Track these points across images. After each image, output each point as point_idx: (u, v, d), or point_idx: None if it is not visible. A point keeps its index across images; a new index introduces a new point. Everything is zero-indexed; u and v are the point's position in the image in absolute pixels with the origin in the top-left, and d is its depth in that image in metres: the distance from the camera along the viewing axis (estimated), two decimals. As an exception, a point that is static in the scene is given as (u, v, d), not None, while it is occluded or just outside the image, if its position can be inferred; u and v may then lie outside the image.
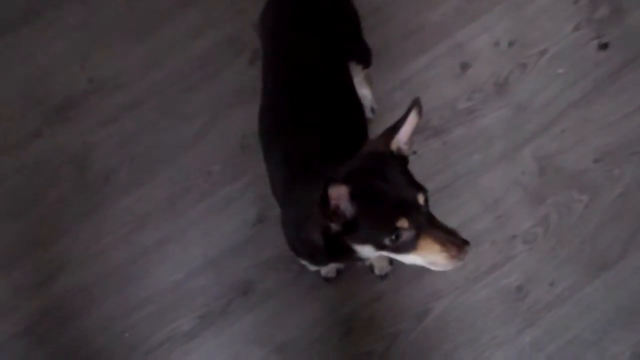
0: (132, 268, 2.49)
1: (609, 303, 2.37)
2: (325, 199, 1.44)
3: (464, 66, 2.63)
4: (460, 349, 2.36)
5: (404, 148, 1.60)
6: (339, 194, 1.44)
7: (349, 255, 1.64)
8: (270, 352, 2.39)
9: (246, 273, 2.45)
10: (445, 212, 2.32)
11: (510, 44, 2.65)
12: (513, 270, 2.41)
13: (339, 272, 2.40)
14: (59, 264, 2.50)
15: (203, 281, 2.46)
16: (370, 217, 1.50)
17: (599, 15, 2.66)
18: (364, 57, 2.37)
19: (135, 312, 2.45)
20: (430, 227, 1.51)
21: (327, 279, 2.41)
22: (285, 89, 2.03)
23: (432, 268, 1.55)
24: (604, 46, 2.62)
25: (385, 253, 1.55)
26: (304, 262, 2.03)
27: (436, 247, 1.50)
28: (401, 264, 1.59)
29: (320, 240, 1.64)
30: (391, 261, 2.34)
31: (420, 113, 1.55)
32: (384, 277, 2.41)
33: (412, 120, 1.56)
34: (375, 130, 1.92)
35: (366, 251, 1.58)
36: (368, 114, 2.52)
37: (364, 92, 2.49)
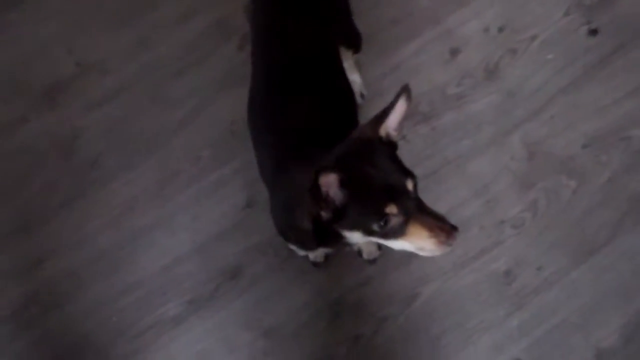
0: (120, 253, 2.49)
1: (596, 287, 2.38)
2: (316, 187, 1.44)
3: (454, 52, 2.63)
4: (448, 332, 2.37)
5: (393, 134, 1.61)
6: (328, 182, 1.44)
7: (337, 240, 1.65)
8: (258, 336, 2.39)
9: (234, 258, 2.45)
10: (434, 198, 2.35)
11: (500, 29, 2.65)
12: (501, 255, 2.42)
13: (327, 256, 2.41)
14: (46, 249, 2.50)
15: (191, 266, 2.46)
16: (360, 203, 1.50)
17: (589, 1, 2.66)
18: (354, 42, 2.36)
19: (123, 297, 2.45)
20: (419, 213, 1.51)
21: (315, 264, 2.41)
22: (275, 73, 2.02)
23: (421, 254, 1.56)
24: (593, 32, 2.63)
25: (374, 239, 1.56)
26: (292, 247, 2.04)
27: (425, 233, 1.50)
28: (390, 249, 1.60)
29: (309, 226, 1.64)
30: (380, 246, 2.34)
31: (409, 99, 1.55)
32: (372, 261, 2.41)
33: (401, 106, 1.55)
34: (365, 115, 1.92)
35: (355, 237, 1.58)
36: (357, 99, 2.51)
37: (354, 78, 2.49)
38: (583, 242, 2.42)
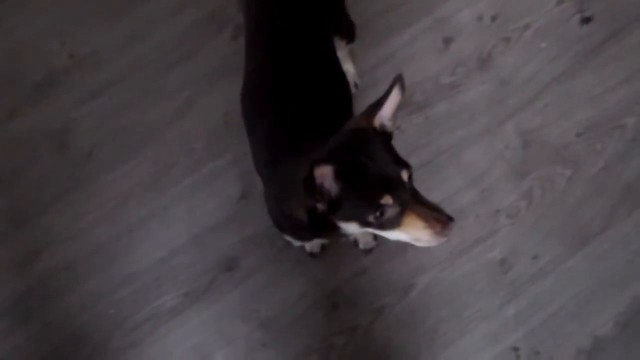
0: (116, 245, 2.48)
1: (591, 275, 2.39)
2: (310, 180, 1.44)
3: (447, 41, 2.63)
4: (445, 322, 2.37)
5: (388, 124, 1.60)
6: (323, 174, 1.44)
7: (333, 231, 1.65)
8: (255, 327, 2.39)
9: (230, 249, 2.45)
10: (429, 187, 2.36)
11: (494, 18, 2.65)
12: (497, 244, 2.42)
13: (323, 247, 2.41)
14: (42, 242, 2.49)
15: (187, 258, 2.46)
16: (355, 194, 1.50)
17: (582, -11, 2.67)
18: (348, 32, 2.35)
19: (120, 290, 2.44)
20: (414, 203, 1.51)
21: (311, 254, 2.41)
22: (269, 64, 2.01)
23: (417, 244, 1.56)
24: (586, 20, 2.63)
25: (370, 230, 1.56)
26: (288, 238, 2.04)
27: (420, 224, 1.50)
28: (386, 239, 1.60)
29: (305, 217, 1.64)
30: (375, 236, 2.35)
31: (403, 89, 1.55)
32: (368, 251, 2.42)
33: (395, 96, 1.55)
34: (359, 105, 1.92)
35: (351, 228, 1.59)
36: (351, 89, 2.50)
37: (347, 67, 2.48)
38: (578, 230, 2.42)
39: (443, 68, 2.60)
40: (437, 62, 2.61)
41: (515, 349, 2.34)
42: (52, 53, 2.69)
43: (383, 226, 1.52)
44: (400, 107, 1.58)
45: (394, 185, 1.50)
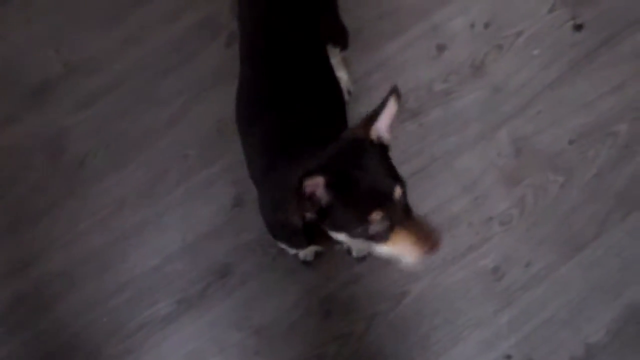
0: (110, 253, 2.48)
1: (584, 283, 2.39)
2: (300, 190, 1.44)
3: (440, 48, 2.63)
4: (438, 329, 2.38)
5: (385, 136, 1.59)
6: (315, 183, 1.44)
7: (327, 238, 1.64)
8: (248, 335, 2.39)
9: (224, 257, 2.45)
10: (422, 194, 2.37)
11: (486, 25, 2.66)
12: (489, 252, 2.43)
13: (317, 255, 2.41)
14: (36, 249, 2.49)
15: (181, 265, 2.46)
16: (345, 206, 1.49)
17: (574, -4, 2.68)
18: (341, 39, 2.35)
19: (114, 297, 2.44)
20: (405, 220, 1.51)
21: (305, 262, 2.41)
22: (263, 71, 2.01)
23: (402, 260, 1.56)
24: (579, 27, 2.63)
25: (358, 241, 1.56)
26: (282, 246, 2.04)
27: (408, 241, 1.51)
28: (378, 248, 1.60)
29: (299, 224, 1.63)
30: (369, 244, 2.34)
31: (399, 100, 1.54)
32: (361, 259, 2.41)
33: (391, 108, 1.54)
34: (352, 112, 1.93)
35: (342, 237, 1.58)
36: (345, 96, 2.51)
37: (341, 75, 2.48)
38: (571, 237, 2.43)
39: (436, 75, 2.60)
40: (430, 69, 2.61)
41: (509, 356, 2.35)
42: (46, 60, 2.69)
43: (372, 239, 1.52)
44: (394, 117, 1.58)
45: (385, 200, 1.49)
